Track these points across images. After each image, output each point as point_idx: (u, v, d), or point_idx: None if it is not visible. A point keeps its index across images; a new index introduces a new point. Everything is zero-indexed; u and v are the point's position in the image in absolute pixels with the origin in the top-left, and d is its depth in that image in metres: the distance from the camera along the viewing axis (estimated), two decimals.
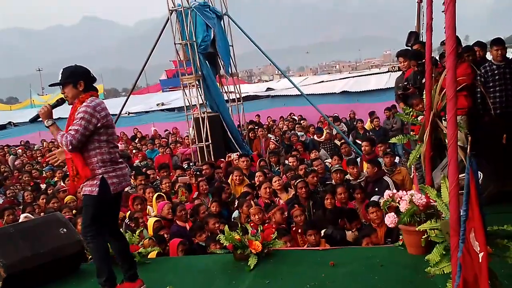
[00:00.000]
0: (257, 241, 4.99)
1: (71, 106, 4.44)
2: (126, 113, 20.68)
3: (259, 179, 8.78)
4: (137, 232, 5.87)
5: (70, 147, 4.19)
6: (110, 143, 4.35)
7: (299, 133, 14.39)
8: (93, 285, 5.02)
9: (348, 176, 8.50)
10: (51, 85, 4.62)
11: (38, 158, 17.37)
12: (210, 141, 13.01)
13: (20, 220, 7.43)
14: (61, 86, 4.42)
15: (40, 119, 4.48)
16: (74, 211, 8.44)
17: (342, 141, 12.58)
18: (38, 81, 70.69)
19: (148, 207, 8.34)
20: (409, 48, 9.42)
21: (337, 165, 9.04)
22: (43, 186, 12.02)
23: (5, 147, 21.02)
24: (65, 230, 5.48)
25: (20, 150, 20.06)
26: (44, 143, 21.70)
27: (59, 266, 5.21)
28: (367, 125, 14.73)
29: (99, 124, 4.23)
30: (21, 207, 9.60)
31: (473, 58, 7.26)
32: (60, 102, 4.54)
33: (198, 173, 10.09)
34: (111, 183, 4.29)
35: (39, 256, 5.08)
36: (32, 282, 4.95)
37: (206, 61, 13.47)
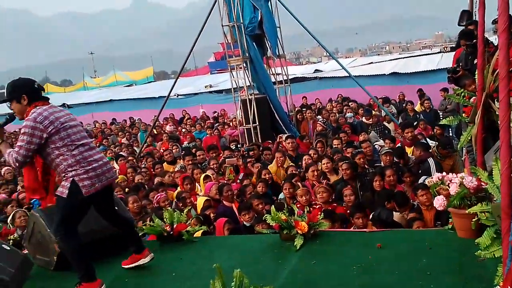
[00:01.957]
0: (303, 222, 4.99)
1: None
2: (175, 95, 20.97)
3: (307, 161, 8.76)
4: (185, 211, 5.97)
5: (17, 164, 4.20)
6: (70, 146, 4.21)
7: (348, 115, 14.25)
8: None
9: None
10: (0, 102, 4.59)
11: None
12: (257, 123, 13.05)
13: None
14: (9, 103, 4.35)
15: None
16: (126, 190, 8.67)
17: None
18: (91, 64, 72.38)
19: (198, 186, 8.49)
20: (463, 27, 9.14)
21: (387, 148, 8.94)
22: None
23: None
24: (116, 208, 5.60)
25: None
26: (97, 124, 22.29)
27: (110, 243, 5.33)
28: (417, 107, 14.44)
29: (45, 135, 4.12)
30: None
31: None
32: (9, 119, 4.50)
33: (246, 154, 10.16)
34: (82, 186, 4.18)
35: (91, 233, 5.20)
36: None
37: (253, 43, 13.45)
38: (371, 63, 22.40)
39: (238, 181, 8.66)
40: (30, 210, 6.98)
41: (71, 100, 28.21)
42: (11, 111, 4.40)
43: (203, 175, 8.65)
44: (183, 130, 16.71)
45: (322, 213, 5.55)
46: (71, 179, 4.18)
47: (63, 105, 27.79)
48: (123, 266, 4.83)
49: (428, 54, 24.38)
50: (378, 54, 58.35)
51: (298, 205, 6.24)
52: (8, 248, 4.65)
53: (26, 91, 4.25)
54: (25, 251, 5.46)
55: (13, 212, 7.39)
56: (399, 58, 23.25)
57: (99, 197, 4.41)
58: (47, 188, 4.61)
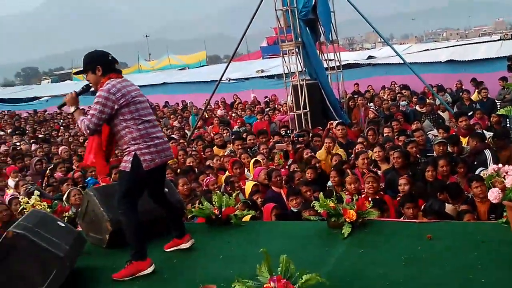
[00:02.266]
0: (351, 210, 4.94)
1: None
2: (226, 80, 21.07)
3: (357, 149, 8.65)
4: (234, 195, 6.01)
5: (88, 131, 4.36)
6: (137, 120, 4.34)
7: (402, 103, 13.98)
8: None
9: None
10: (75, 73, 4.76)
11: None
12: (308, 109, 12.98)
13: None
14: (85, 74, 4.51)
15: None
16: (178, 171, 8.81)
17: None
18: (145, 47, 73.56)
19: (246, 171, 8.52)
20: None
21: (440, 137, 8.73)
22: None
23: None
24: (167, 189, 5.67)
25: None
26: None
27: (160, 224, 5.43)
28: (474, 96, 14.03)
29: (116, 106, 4.27)
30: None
31: None
32: (85, 89, 4.64)
33: (296, 140, 10.13)
34: (143, 160, 4.31)
35: (142, 213, 5.27)
36: None
37: (307, 28, 13.35)
38: (427, 50, 21.84)
39: (287, 167, 8.65)
40: (85, 188, 7.20)
41: None
42: (87, 82, 4.59)
43: (253, 160, 8.67)
44: (234, 114, 16.81)
45: (371, 202, 5.48)
46: (133, 153, 4.33)
47: None
48: (165, 249, 4.93)
49: (487, 41, 23.56)
50: (435, 41, 56.70)
51: (347, 193, 6.19)
52: (63, 225, 4.80)
53: (101, 63, 4.43)
54: (79, 229, 5.64)
55: (68, 190, 7.63)
56: (456, 45, 22.56)
57: (157, 173, 4.56)
58: (108, 158, 4.73)
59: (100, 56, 4.51)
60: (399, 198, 6.50)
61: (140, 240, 4.45)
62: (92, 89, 4.62)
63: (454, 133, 9.22)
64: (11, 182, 9.47)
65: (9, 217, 6.67)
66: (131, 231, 4.45)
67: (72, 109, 4.55)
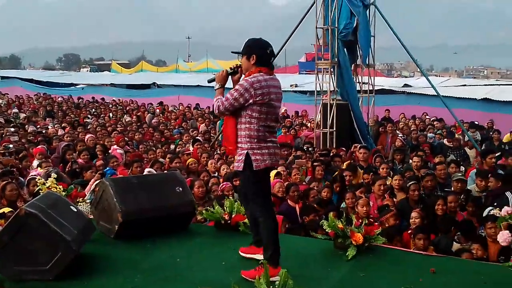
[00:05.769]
0: (359, 233, 4.95)
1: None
2: None
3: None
4: None
5: (216, 112, 4.44)
6: (260, 121, 4.31)
7: (429, 135, 13.87)
8: (197, 245, 5.31)
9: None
10: (233, 52, 4.78)
11: (172, 121, 18.49)
12: (334, 128, 12.98)
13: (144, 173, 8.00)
14: (241, 55, 4.51)
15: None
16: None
17: None
18: (186, 48, 74.27)
19: None
20: None
21: (460, 174, 8.65)
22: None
23: (146, 105, 22.69)
24: (181, 189, 5.73)
25: (157, 110, 21.47)
26: (181, 106, 22.92)
27: (170, 222, 5.51)
28: (506, 137, 13.83)
29: (251, 100, 4.25)
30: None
31: None
32: (235, 70, 4.62)
33: (318, 158, 10.12)
34: (254, 160, 4.28)
35: (154, 209, 5.40)
36: (142, 232, 5.28)
37: (345, 49, 13.40)
38: (464, 85, 21.57)
39: (304, 183, 8.67)
40: (103, 177, 7.31)
41: (162, 80, 29.34)
42: (240, 64, 4.60)
43: (274, 172, 8.64)
44: None
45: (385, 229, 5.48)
46: (245, 152, 4.32)
47: (154, 84, 28.97)
48: (240, 252, 4.87)
49: None
50: (474, 77, 55.94)
51: (356, 216, 6.19)
52: (75, 210, 4.92)
53: (257, 52, 4.40)
54: (91, 216, 5.75)
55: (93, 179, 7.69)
56: (495, 84, 22.25)
57: (266, 175, 4.53)
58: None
59: (259, 45, 4.45)
60: (410, 231, 6.44)
61: (275, 243, 4.38)
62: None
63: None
64: (35, 163, 9.65)
65: (17, 196, 6.85)
66: (267, 233, 4.41)
67: (217, 86, 4.59)
